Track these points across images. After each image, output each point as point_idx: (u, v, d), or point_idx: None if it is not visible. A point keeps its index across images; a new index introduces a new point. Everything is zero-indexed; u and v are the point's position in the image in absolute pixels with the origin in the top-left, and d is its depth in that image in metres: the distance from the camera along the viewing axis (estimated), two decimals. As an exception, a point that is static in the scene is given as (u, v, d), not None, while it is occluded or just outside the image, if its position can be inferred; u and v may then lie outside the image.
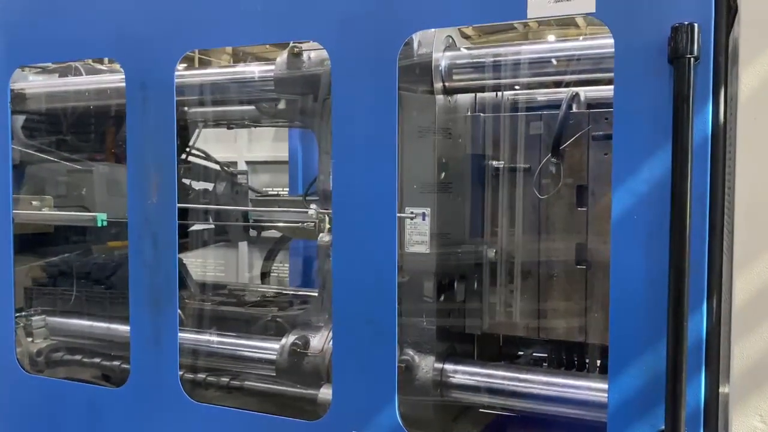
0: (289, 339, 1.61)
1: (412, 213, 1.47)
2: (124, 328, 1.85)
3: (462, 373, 1.53)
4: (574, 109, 1.54)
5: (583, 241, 1.52)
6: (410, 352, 1.50)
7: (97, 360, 1.94)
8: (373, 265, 1.25)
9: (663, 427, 1.03)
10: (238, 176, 2.49)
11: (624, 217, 1.07)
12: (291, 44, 1.61)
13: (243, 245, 3.64)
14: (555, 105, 1.59)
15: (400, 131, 1.40)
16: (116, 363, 1.90)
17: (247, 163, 3.97)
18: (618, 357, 1.07)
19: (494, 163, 1.61)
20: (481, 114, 1.63)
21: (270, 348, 1.66)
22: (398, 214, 1.42)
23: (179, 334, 1.43)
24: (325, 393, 1.48)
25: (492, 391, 1.51)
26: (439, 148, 1.51)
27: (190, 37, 1.40)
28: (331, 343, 1.55)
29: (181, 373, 1.47)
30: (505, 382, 1.50)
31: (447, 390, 1.52)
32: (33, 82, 2.17)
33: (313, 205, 1.60)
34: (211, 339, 1.79)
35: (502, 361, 1.68)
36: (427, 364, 1.50)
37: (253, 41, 1.49)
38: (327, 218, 1.52)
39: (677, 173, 0.99)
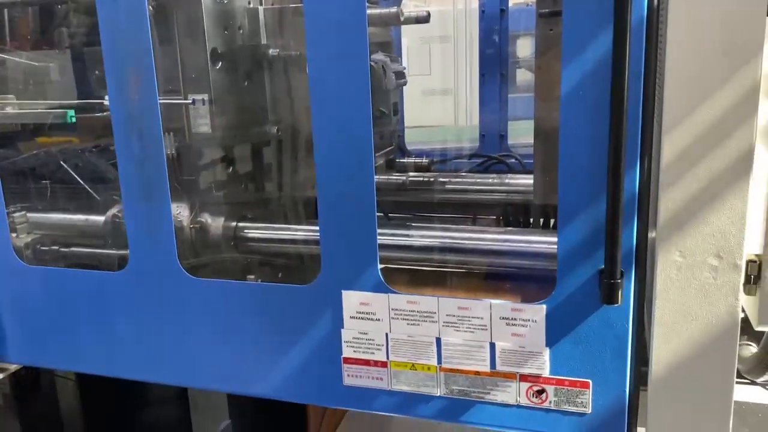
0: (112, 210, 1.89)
1: (193, 99, 1.72)
2: (101, 218, 1.98)
3: (249, 229, 1.85)
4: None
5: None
6: (205, 214, 1.81)
7: (82, 249, 2.06)
8: (351, 146, 1.38)
9: (603, 266, 1.25)
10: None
11: (572, 92, 1.22)
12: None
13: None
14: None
15: (175, 26, 1.66)
16: (102, 250, 2.03)
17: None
18: (566, 212, 1.26)
19: (271, 51, 1.89)
20: (259, 7, 1.87)
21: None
22: (182, 101, 1.71)
23: None
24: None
25: (271, 240, 1.86)
26: (214, 39, 1.72)
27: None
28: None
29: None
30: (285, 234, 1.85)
31: (240, 243, 1.84)
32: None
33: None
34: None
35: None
36: (218, 224, 1.81)
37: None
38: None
39: (617, 52, 1.13)
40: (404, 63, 2.58)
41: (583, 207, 1.25)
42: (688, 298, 1.23)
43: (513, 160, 2.71)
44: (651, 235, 1.28)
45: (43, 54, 2.29)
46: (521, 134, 3.12)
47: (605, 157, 1.18)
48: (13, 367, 1.92)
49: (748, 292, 1.23)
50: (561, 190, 1.26)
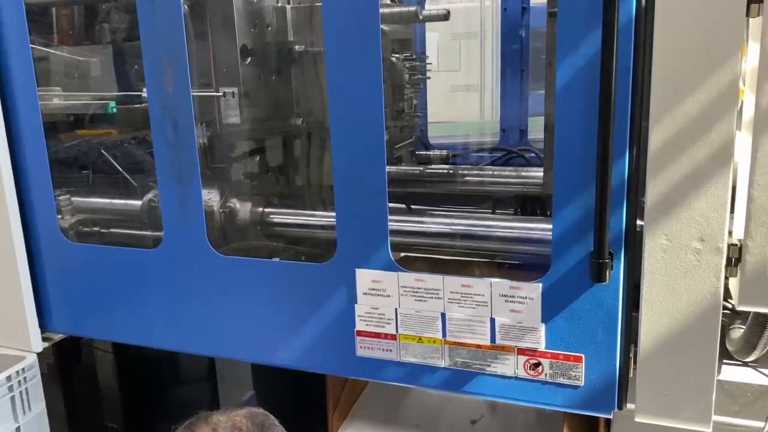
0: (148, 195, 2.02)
1: (223, 92, 1.83)
2: (137, 202, 2.13)
3: (275, 214, 1.95)
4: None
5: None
6: (234, 200, 1.91)
7: (121, 230, 2.22)
8: (364, 136, 1.50)
9: (593, 249, 1.35)
10: None
11: (567, 86, 1.32)
12: None
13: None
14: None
15: (208, 24, 1.80)
16: (139, 232, 2.18)
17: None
18: (560, 197, 1.36)
19: (297, 47, 2.00)
20: (287, 5, 2.00)
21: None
22: (213, 93, 1.83)
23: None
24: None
25: (295, 225, 1.97)
26: (243, 36, 1.85)
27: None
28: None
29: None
30: (308, 219, 1.97)
31: (266, 228, 1.95)
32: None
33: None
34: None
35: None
36: (246, 209, 1.91)
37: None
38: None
39: (605, 49, 1.22)
40: (434, 60, 2.68)
41: (577, 193, 1.35)
42: (673, 278, 1.33)
43: (532, 155, 2.79)
44: (640, 222, 1.37)
45: (86, 49, 2.45)
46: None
47: (596, 147, 1.28)
48: (57, 337, 2.09)
49: (729, 274, 1.31)
50: (556, 177, 1.36)
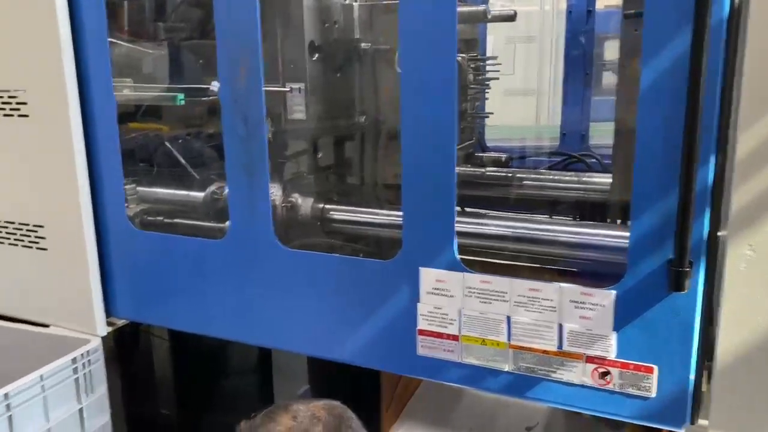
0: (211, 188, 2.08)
1: (290, 88, 1.84)
2: (200, 194, 2.17)
3: (335, 211, 1.95)
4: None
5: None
6: (295, 194, 1.92)
7: (183, 221, 2.25)
8: (435, 135, 1.49)
9: (672, 256, 1.31)
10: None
11: (651, 87, 1.28)
12: None
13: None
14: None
15: (277, 20, 1.81)
16: (200, 223, 2.21)
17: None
18: (640, 202, 1.32)
19: (363, 44, 1.99)
20: (354, 3, 1.98)
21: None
22: (281, 89, 1.84)
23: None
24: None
25: (354, 222, 1.96)
26: (311, 33, 1.86)
27: None
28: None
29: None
30: (368, 217, 1.94)
31: (326, 224, 1.96)
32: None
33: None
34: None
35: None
36: (307, 204, 1.92)
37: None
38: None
39: (695, 51, 1.18)
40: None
41: (657, 198, 1.31)
42: (756, 291, 1.27)
43: (593, 160, 2.74)
44: (722, 232, 1.32)
45: (149, 44, 2.50)
46: (604, 136, 3.13)
47: (680, 151, 1.24)
48: (120, 323, 2.14)
49: (818, 289, 1.26)
50: (636, 181, 1.32)
